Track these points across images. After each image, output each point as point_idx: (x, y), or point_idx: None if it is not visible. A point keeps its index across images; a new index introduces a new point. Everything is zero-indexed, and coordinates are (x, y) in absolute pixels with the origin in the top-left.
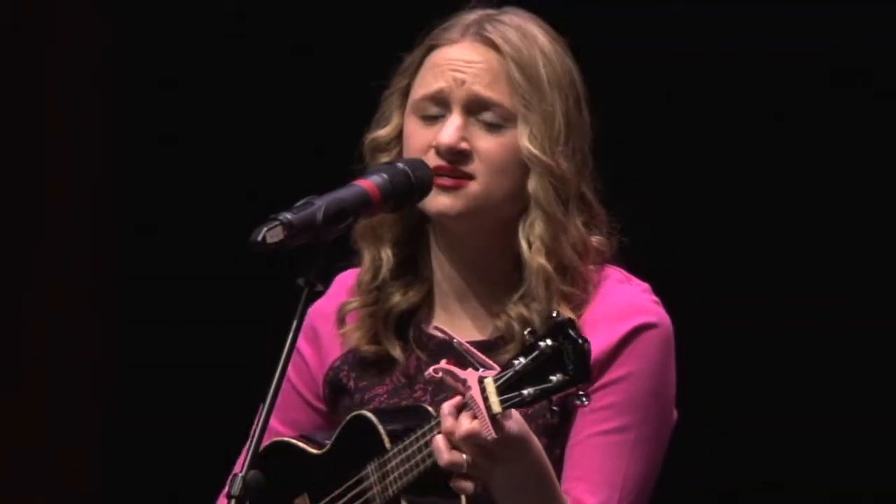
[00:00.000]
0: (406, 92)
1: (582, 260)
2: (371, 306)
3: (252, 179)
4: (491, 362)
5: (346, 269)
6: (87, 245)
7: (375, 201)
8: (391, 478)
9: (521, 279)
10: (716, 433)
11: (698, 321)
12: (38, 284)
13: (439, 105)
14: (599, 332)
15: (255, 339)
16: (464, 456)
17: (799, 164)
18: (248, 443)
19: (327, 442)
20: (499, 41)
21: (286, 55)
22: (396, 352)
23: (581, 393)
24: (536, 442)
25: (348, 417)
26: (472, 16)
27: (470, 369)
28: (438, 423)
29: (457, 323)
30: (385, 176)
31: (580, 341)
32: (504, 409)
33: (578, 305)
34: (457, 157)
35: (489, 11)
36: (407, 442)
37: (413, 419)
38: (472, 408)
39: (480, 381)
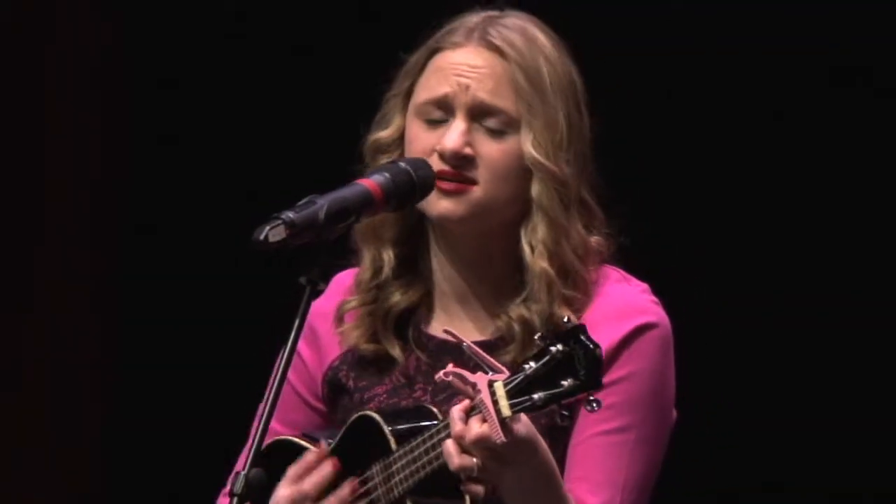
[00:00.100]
0: (408, 94)
1: (583, 263)
2: (370, 305)
3: (252, 179)
4: (500, 366)
5: (342, 269)
6: (87, 245)
7: (378, 200)
8: (396, 479)
9: (523, 281)
10: (716, 433)
11: (698, 321)
12: (38, 284)
13: (443, 109)
14: (600, 333)
15: (255, 339)
16: (474, 460)
17: (799, 162)
18: (247, 443)
19: (330, 441)
20: (503, 46)
21: (286, 55)
22: (396, 351)
23: (591, 398)
24: (543, 443)
25: (353, 418)
26: (475, 18)
27: (479, 373)
28: (446, 425)
29: (456, 323)
30: (387, 175)
31: (592, 347)
32: (514, 412)
33: (579, 307)
34: (461, 163)
35: (492, 14)
36: (414, 443)
37: (417, 419)
38: (481, 411)
39: (490, 384)
